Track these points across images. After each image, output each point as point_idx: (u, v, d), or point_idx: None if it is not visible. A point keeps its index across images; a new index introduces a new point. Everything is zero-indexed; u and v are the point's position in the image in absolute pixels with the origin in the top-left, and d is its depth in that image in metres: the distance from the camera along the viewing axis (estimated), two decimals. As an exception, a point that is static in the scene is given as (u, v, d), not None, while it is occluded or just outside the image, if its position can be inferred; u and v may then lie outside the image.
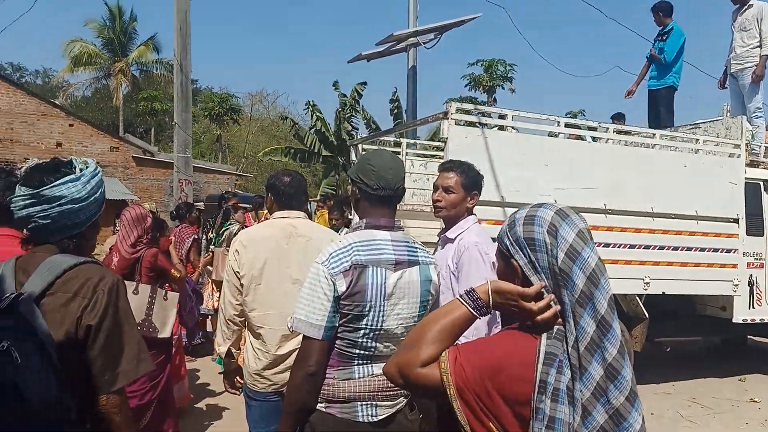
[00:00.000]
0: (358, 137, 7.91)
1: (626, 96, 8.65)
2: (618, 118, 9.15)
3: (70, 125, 19.96)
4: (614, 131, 6.00)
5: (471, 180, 3.09)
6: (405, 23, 11.10)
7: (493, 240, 3.47)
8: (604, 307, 1.33)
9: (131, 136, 26.23)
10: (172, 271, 4.26)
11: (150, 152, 22.47)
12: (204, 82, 43.12)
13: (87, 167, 1.84)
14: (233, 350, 3.17)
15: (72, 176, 1.78)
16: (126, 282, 2.80)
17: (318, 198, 15.70)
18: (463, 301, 1.48)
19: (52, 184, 1.74)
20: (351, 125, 21.66)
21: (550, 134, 5.86)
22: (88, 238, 1.90)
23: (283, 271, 2.96)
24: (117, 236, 4.27)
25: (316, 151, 21.52)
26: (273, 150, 23.60)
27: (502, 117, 5.43)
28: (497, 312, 1.54)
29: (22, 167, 1.83)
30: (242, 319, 3.06)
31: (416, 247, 2.23)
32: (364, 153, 2.40)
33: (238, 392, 3.34)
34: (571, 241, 1.38)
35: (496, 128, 5.46)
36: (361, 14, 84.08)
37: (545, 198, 5.29)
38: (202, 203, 18.70)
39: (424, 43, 10.65)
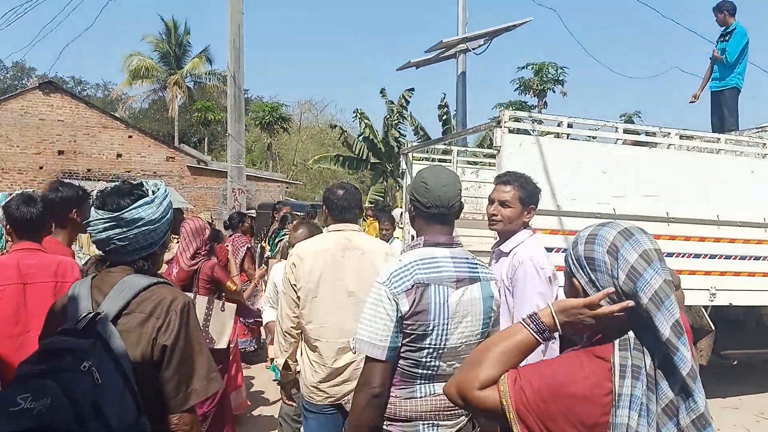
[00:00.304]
0: (407, 144, 7.90)
1: (691, 101, 8.34)
2: None
3: (129, 137, 20.70)
4: (676, 136, 5.78)
5: (528, 194, 3.02)
6: (453, 29, 11.05)
7: (548, 249, 3.41)
8: (668, 331, 1.28)
9: (185, 146, 26.98)
10: (228, 283, 4.31)
11: (204, 162, 23.06)
12: (254, 92, 44.06)
13: (158, 189, 1.89)
14: (290, 362, 3.19)
15: (147, 199, 1.83)
16: None
17: (366, 206, 15.73)
18: (525, 325, 1.46)
19: (130, 207, 1.79)
20: (399, 132, 21.71)
21: (590, 138, 5.68)
22: (159, 258, 1.95)
23: (338, 284, 2.97)
24: (177, 248, 4.38)
25: (364, 158, 21.65)
26: (322, 158, 23.90)
27: (557, 125, 5.31)
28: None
29: (92, 190, 1.89)
30: (299, 331, 3.09)
31: (476, 264, 2.19)
32: (420, 170, 2.37)
33: (294, 404, 3.37)
34: (632, 262, 1.35)
35: (550, 135, 5.35)
36: (408, 21, 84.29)
37: (603, 206, 5.15)
38: (254, 211, 19.07)
39: (473, 49, 10.57)
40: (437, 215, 2.15)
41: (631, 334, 1.35)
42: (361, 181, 30.81)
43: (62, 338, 1.62)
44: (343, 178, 32.26)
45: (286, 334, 3.11)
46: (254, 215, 18.44)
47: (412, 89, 21.43)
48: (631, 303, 1.34)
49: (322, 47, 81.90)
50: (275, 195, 22.52)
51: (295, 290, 3.02)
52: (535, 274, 2.81)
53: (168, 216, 1.89)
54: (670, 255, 5.40)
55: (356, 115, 22.33)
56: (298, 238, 3.46)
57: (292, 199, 24.95)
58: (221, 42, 11.30)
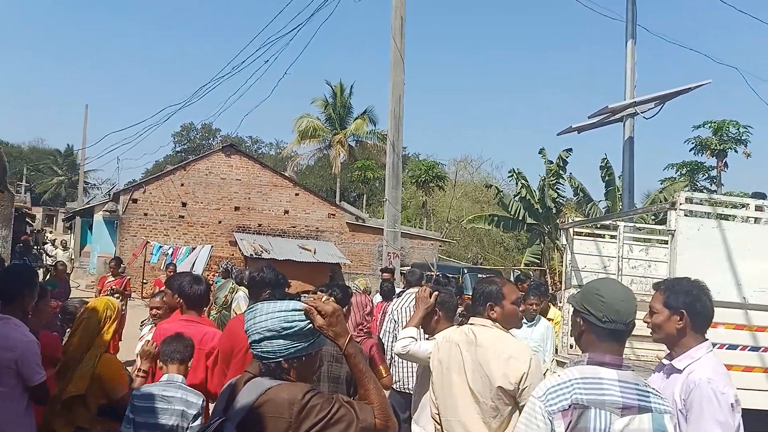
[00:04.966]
0: (566, 204, 7.56)
1: None
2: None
3: (296, 194, 22.27)
4: None
5: (676, 296, 2.59)
6: (620, 92, 10.57)
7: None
8: None
9: (345, 203, 28.40)
10: (381, 367, 4.28)
11: (362, 218, 24.05)
12: (412, 149, 45.37)
13: (272, 305, 1.88)
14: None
15: (258, 305, 1.89)
16: None
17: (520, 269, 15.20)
18: None
19: (248, 309, 1.91)
20: (557, 192, 21.04)
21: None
22: (296, 369, 1.87)
23: (461, 380, 2.92)
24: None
25: (520, 218, 21.24)
26: (477, 217, 23.79)
27: (741, 207, 4.75)
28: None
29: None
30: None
31: (648, 392, 1.97)
32: (591, 282, 2.23)
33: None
34: None
35: (734, 218, 4.79)
36: (571, 84, 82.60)
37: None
38: (408, 267, 19.33)
39: (642, 113, 9.98)
40: (613, 332, 2.00)
41: None
42: (517, 239, 30.08)
43: None
44: (497, 237, 31.77)
45: (434, 420, 3.09)
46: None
47: (570, 149, 20.82)
48: None
49: (479, 105, 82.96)
50: (429, 253, 22.71)
51: (431, 371, 3.09)
52: (713, 399, 2.43)
53: (279, 333, 1.82)
54: None
55: (512, 175, 22.05)
56: None
57: (443, 257, 24.99)
58: (381, 101, 11.84)
